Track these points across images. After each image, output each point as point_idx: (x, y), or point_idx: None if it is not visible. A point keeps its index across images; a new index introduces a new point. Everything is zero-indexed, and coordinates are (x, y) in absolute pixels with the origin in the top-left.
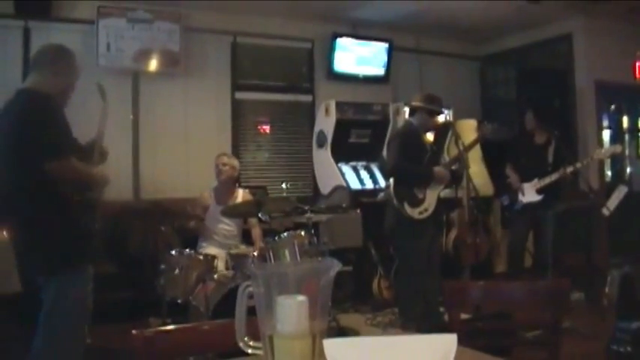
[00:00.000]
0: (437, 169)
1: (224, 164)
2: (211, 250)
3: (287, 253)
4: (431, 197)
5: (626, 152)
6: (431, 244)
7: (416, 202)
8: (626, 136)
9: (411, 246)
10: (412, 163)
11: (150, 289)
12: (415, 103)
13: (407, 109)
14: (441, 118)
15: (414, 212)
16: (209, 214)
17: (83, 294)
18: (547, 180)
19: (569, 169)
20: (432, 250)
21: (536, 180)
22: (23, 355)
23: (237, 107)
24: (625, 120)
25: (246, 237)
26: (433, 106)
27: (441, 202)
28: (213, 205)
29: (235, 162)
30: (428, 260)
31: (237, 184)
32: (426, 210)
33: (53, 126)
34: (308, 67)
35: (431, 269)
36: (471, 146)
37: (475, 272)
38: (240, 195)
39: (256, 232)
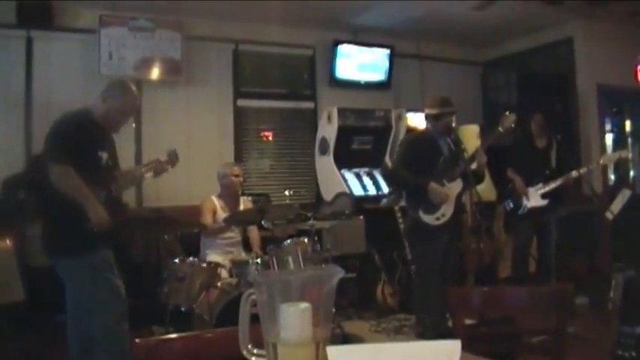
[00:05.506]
0: (432, 185)
1: (237, 175)
2: (215, 257)
3: (290, 260)
4: (448, 202)
5: (629, 156)
6: (446, 248)
7: (431, 209)
8: (629, 140)
9: (425, 251)
10: (419, 170)
11: (153, 298)
12: (427, 111)
13: (408, 115)
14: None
15: (431, 219)
16: (215, 221)
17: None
18: (552, 185)
19: (575, 174)
20: (447, 253)
21: (540, 184)
22: None
23: (239, 115)
24: (627, 123)
25: (247, 244)
26: (440, 108)
27: (459, 205)
28: (220, 213)
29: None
30: (442, 264)
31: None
32: (443, 215)
33: (67, 136)
34: (310, 73)
35: (444, 273)
36: (488, 142)
37: (479, 278)
38: (243, 203)
39: (254, 235)
